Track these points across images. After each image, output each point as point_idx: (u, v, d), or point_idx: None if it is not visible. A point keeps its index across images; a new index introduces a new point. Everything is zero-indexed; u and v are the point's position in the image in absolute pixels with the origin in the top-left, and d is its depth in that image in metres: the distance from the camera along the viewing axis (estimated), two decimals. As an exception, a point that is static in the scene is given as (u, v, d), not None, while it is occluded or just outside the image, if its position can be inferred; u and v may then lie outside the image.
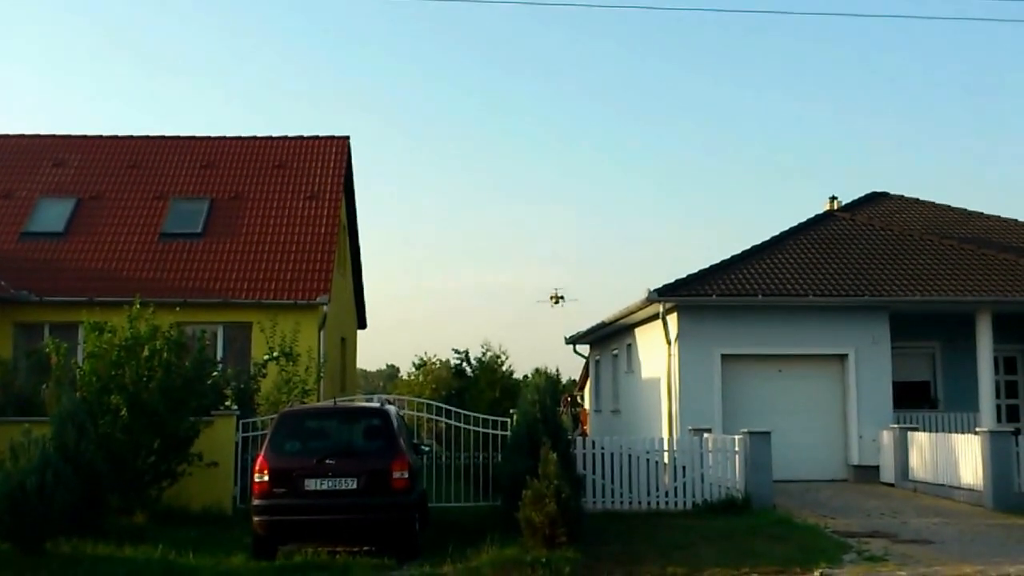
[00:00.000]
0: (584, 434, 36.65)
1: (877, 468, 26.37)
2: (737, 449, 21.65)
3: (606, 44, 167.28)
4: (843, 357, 27.18)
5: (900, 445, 25.36)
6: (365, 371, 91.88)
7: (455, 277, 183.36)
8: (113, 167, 33.13)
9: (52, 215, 30.63)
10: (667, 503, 21.53)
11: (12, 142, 34.22)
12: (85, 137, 34.73)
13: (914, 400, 28.74)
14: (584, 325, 36.79)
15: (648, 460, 21.90)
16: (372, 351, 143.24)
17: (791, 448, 24.99)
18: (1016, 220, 33.22)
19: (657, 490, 21.74)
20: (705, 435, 22.69)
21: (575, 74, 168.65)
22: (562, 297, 64.71)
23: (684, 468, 21.89)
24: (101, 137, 34.80)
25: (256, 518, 15.89)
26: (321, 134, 35.02)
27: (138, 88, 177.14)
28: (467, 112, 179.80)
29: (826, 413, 27.27)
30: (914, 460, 24.89)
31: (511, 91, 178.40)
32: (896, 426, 25.79)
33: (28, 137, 34.57)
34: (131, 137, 34.83)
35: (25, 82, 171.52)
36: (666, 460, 22.28)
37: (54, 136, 34.70)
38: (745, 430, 21.86)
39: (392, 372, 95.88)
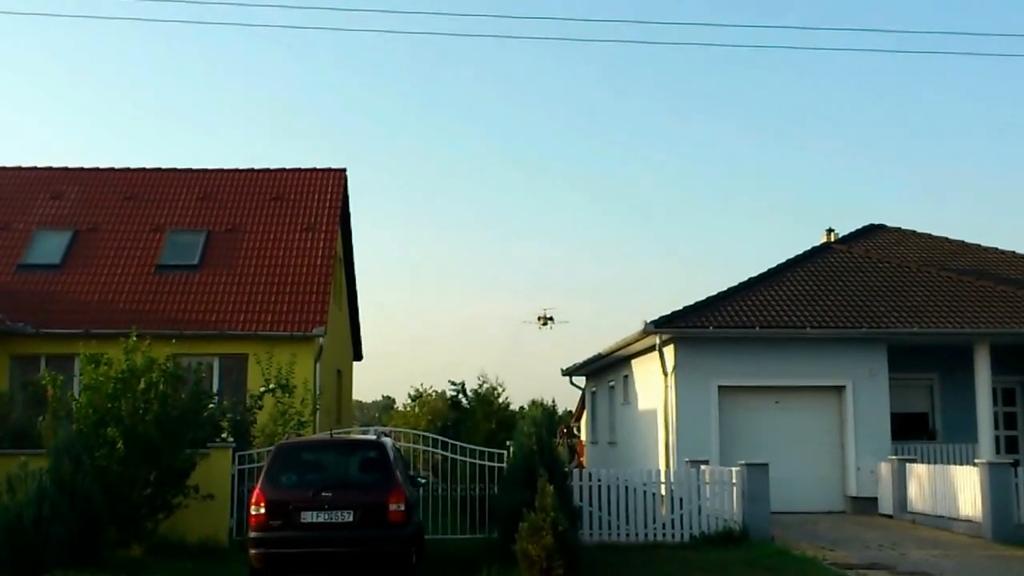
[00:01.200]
0: (580, 466, 36.61)
1: (875, 500, 26.29)
2: (734, 481, 21.57)
3: (601, 78, 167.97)
4: (841, 389, 27.13)
5: (898, 477, 25.29)
6: (361, 402, 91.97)
7: (452, 308, 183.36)
8: (110, 199, 33.18)
9: (49, 247, 30.67)
10: (664, 535, 21.39)
11: (9, 174, 34.30)
12: (82, 169, 34.78)
13: (912, 432, 28.65)
14: (581, 356, 36.78)
15: (645, 492, 21.79)
16: (368, 382, 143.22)
17: (789, 480, 24.85)
18: (1014, 252, 33.23)
19: (654, 522, 21.61)
20: (702, 467, 22.55)
21: (571, 107, 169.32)
22: (551, 318, 63.35)
23: (681, 500, 21.78)
24: (98, 169, 34.84)
25: (252, 550, 15.85)
26: (318, 166, 35.10)
27: (135, 121, 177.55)
28: (463, 144, 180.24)
29: (824, 445, 27.19)
30: (912, 492, 24.81)
31: (507, 123, 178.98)
32: (894, 458, 25.72)
33: (25, 169, 34.67)
34: (128, 169, 34.89)
35: (22, 114, 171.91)
36: (663, 492, 22.21)
37: (51, 168, 34.77)
38: (742, 462, 21.79)
39: (388, 403, 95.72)
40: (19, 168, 34.75)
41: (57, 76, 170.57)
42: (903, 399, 28.34)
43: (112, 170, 34.84)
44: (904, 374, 27.92)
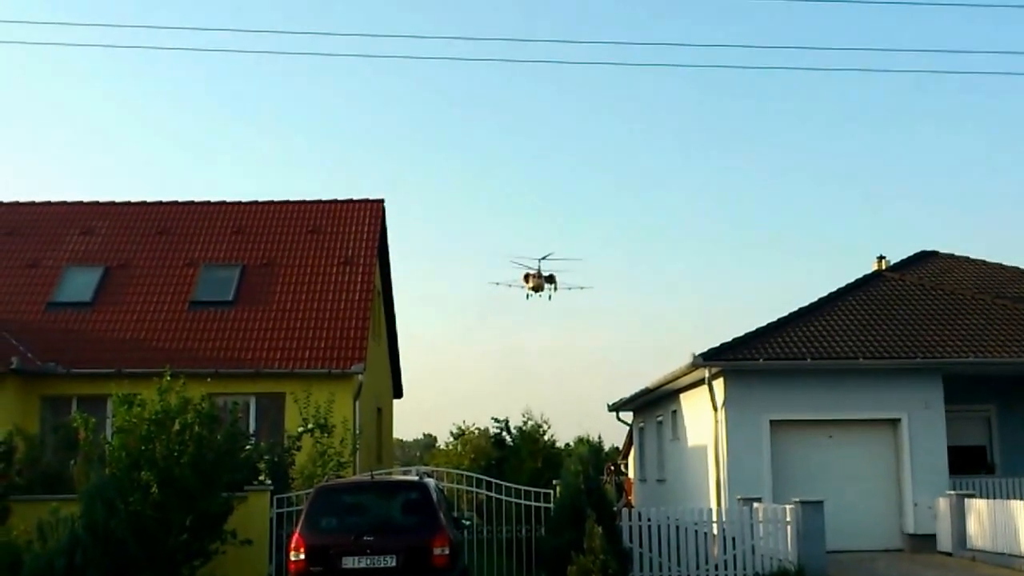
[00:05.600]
0: (629, 504, 36.05)
1: (934, 536, 25.61)
2: (788, 519, 21.25)
3: (644, 107, 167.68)
4: (896, 422, 26.50)
5: (957, 512, 24.65)
6: (402, 441, 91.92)
7: (493, 342, 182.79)
8: (141, 234, 32.82)
9: (79, 284, 30.28)
10: (718, 576, 20.90)
11: (39, 210, 34.01)
12: (113, 204, 34.44)
13: (970, 465, 28.06)
14: (628, 390, 36.27)
15: (697, 531, 21.41)
16: (408, 420, 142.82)
17: (844, 517, 24.39)
18: (1072, 279, 32.53)
19: (707, 563, 21.25)
20: (755, 504, 22.25)
21: (611, 137, 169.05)
22: (551, 278, 50.50)
23: (734, 539, 21.41)
24: (129, 203, 34.49)
25: (292, 598, 15.51)
26: (355, 197, 34.67)
27: (168, 154, 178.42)
28: (500, 177, 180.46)
29: (879, 480, 26.59)
30: (972, 528, 24.19)
31: (544, 156, 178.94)
32: (952, 492, 25.10)
33: (55, 204, 34.35)
34: (160, 203, 34.56)
35: (49, 149, 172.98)
36: (715, 531, 21.83)
37: (81, 203, 34.45)
38: (796, 499, 21.51)
39: (430, 442, 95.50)
40: (48, 203, 34.42)
41: (85, 109, 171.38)
42: (960, 432, 27.76)
43: (143, 204, 34.50)
44: (960, 406, 27.32)
